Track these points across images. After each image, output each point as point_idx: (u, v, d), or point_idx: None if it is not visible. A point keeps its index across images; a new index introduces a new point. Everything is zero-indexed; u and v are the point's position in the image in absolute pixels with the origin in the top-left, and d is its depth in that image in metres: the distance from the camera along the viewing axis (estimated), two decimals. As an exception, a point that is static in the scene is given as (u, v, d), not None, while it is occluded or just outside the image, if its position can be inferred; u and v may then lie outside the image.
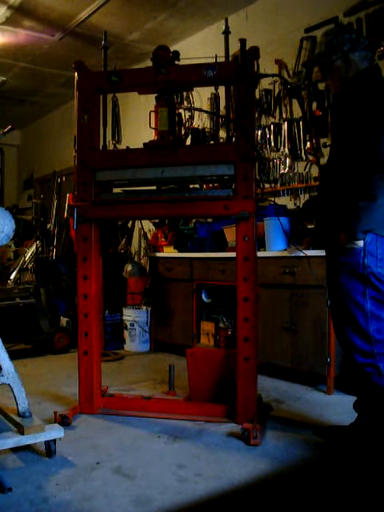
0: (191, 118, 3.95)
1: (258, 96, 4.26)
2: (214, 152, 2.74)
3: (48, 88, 6.80)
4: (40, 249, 5.30)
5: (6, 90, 6.82)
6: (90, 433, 2.60)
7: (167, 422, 2.73)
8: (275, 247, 3.50)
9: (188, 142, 4.57)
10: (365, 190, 2.14)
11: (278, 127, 4.26)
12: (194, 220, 4.57)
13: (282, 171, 4.22)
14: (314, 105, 3.97)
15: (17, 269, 5.59)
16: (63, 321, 5.11)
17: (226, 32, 2.80)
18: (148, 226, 5.31)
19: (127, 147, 2.88)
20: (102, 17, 4.76)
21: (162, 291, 4.56)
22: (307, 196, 4.03)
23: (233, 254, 2.71)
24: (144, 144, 2.78)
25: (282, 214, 3.55)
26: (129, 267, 4.90)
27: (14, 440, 2.17)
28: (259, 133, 4.34)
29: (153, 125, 2.83)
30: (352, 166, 2.22)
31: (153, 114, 2.84)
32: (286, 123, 4.19)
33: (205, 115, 4.56)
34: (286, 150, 4.18)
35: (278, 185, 4.23)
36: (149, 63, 2.77)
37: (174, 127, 2.80)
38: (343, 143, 2.30)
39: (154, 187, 2.95)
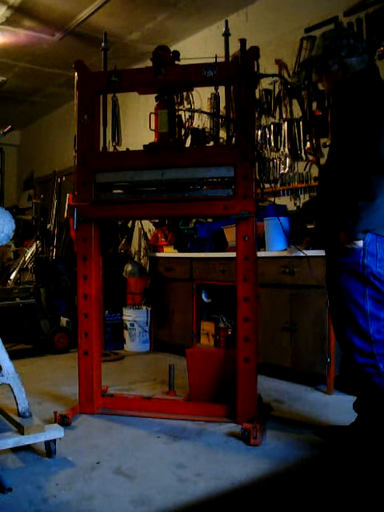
0: (191, 118, 3.95)
1: (258, 96, 4.26)
2: (214, 154, 2.74)
3: (48, 88, 6.80)
4: (40, 249, 5.30)
5: (6, 90, 6.82)
6: (90, 433, 2.60)
7: (167, 422, 2.73)
8: (275, 247, 3.50)
9: (188, 142, 4.58)
10: (364, 189, 2.13)
11: (278, 127, 4.27)
12: (193, 220, 4.57)
13: (281, 171, 4.22)
14: (314, 105, 3.98)
15: (17, 269, 5.59)
16: (63, 321, 5.11)
17: (226, 34, 2.80)
18: (148, 226, 5.31)
19: (127, 149, 2.89)
20: (102, 17, 4.76)
21: (162, 291, 4.56)
22: (307, 196, 4.03)
23: (233, 254, 2.71)
24: (144, 146, 2.78)
25: (282, 214, 3.55)
26: (129, 267, 4.90)
27: (13, 440, 2.17)
28: (259, 133, 4.34)
29: (153, 126, 2.83)
30: (351, 165, 2.22)
31: (153, 116, 2.84)
32: (285, 123, 4.19)
33: (205, 115, 4.56)
34: (286, 150, 4.18)
35: (278, 185, 4.24)
36: (149, 63, 2.77)
37: (174, 129, 2.80)
38: (342, 143, 2.30)
39: (154, 188, 2.95)
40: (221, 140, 4.00)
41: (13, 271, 5.63)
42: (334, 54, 2.30)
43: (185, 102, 3.35)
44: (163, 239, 4.76)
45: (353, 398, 2.52)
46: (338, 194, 2.28)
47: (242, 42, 2.63)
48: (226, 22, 2.84)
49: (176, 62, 2.76)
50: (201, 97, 3.63)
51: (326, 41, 2.34)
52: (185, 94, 3.24)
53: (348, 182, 2.23)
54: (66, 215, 5.32)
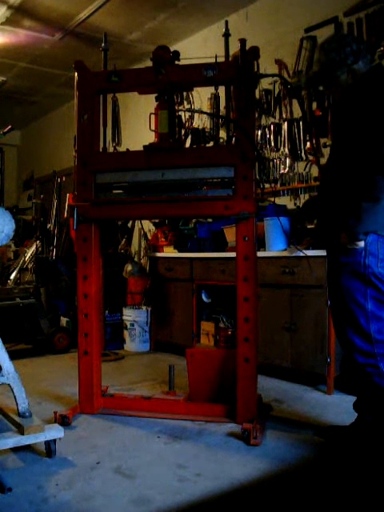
0: (191, 118, 3.95)
1: (258, 96, 4.26)
2: (214, 154, 2.74)
3: (48, 88, 6.80)
4: (40, 249, 5.30)
5: (6, 90, 6.82)
6: (90, 433, 2.60)
7: (167, 422, 2.73)
8: (275, 247, 3.50)
9: (188, 142, 4.58)
10: (367, 191, 2.12)
11: (278, 127, 4.26)
12: (193, 220, 4.57)
13: (281, 171, 4.22)
14: (314, 105, 3.97)
15: (17, 269, 5.60)
16: (63, 321, 5.11)
17: (226, 34, 2.80)
18: (148, 226, 5.31)
19: (127, 149, 2.89)
20: (102, 17, 4.76)
21: (162, 291, 4.56)
22: (307, 196, 4.03)
23: (233, 254, 2.71)
24: (144, 146, 2.77)
25: (282, 214, 3.55)
26: (129, 267, 4.90)
27: (13, 440, 2.17)
28: (259, 133, 4.34)
29: (153, 127, 2.83)
30: (354, 166, 2.21)
31: (153, 116, 2.84)
32: (285, 123, 4.19)
33: (205, 115, 4.56)
34: (286, 150, 4.18)
35: (278, 185, 4.23)
36: (149, 63, 2.77)
37: (174, 129, 2.80)
38: (345, 143, 2.29)
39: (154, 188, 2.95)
40: (221, 140, 4.00)
41: (13, 271, 5.63)
42: (340, 64, 2.27)
43: (185, 102, 3.34)
44: (163, 239, 4.76)
45: (353, 398, 2.52)
46: (340, 194, 2.27)
47: (242, 42, 2.63)
48: (226, 22, 2.84)
49: (176, 62, 2.76)
50: (201, 97, 3.63)
51: (329, 54, 2.29)
52: (185, 94, 3.24)
53: (350, 182, 2.22)
54: (65, 215, 5.32)
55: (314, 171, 4.00)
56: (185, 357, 2.96)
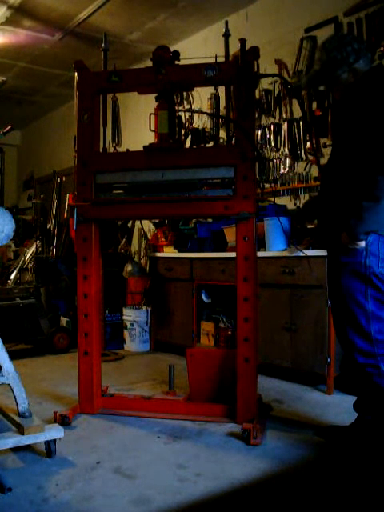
0: (191, 118, 3.95)
1: (258, 96, 4.26)
2: (214, 154, 2.74)
3: (48, 88, 6.80)
4: (40, 249, 5.31)
5: (6, 90, 6.82)
6: (90, 433, 2.60)
7: (167, 422, 2.73)
8: (275, 247, 3.50)
9: (188, 142, 4.58)
10: (368, 191, 2.12)
11: (278, 127, 4.27)
12: (193, 220, 4.57)
13: (282, 171, 4.22)
14: (314, 105, 3.98)
15: (17, 269, 5.60)
16: (63, 321, 5.11)
17: (226, 34, 2.80)
18: (148, 225, 5.31)
19: (127, 150, 2.89)
20: (102, 17, 4.76)
21: (162, 291, 4.56)
22: (307, 196, 4.03)
23: (233, 254, 2.71)
24: (144, 147, 2.77)
25: (282, 214, 3.55)
26: (129, 267, 4.90)
27: (13, 440, 2.17)
28: (259, 133, 4.34)
29: (153, 127, 2.83)
30: (355, 166, 2.21)
31: (153, 117, 2.84)
32: (285, 123, 4.19)
33: (205, 115, 4.56)
34: (286, 150, 4.18)
35: (278, 185, 4.23)
36: (149, 63, 2.77)
37: (174, 129, 2.80)
38: (346, 143, 2.29)
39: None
40: (221, 140, 4.00)
41: (13, 271, 5.63)
42: (342, 63, 2.27)
43: (185, 102, 3.34)
44: (163, 239, 4.76)
45: (353, 398, 2.52)
46: (341, 194, 2.27)
47: (242, 42, 2.62)
48: (226, 22, 2.83)
49: (176, 62, 2.76)
50: (201, 97, 3.63)
51: (330, 53, 2.29)
52: (185, 94, 3.24)
53: (351, 182, 2.22)
54: (65, 215, 5.32)
55: (314, 171, 4.00)
56: (185, 357, 2.96)
